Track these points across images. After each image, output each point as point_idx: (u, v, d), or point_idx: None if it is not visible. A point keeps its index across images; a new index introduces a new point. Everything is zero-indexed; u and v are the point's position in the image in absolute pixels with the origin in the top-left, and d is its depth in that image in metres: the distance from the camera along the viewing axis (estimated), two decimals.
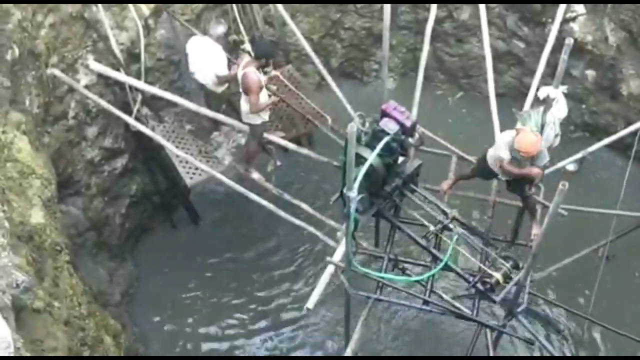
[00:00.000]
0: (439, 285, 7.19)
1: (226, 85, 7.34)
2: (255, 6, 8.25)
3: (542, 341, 6.91)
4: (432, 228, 5.84)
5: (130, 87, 7.63)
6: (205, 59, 7.19)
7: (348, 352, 6.28)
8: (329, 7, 9.57)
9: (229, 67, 7.23)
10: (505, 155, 6.13)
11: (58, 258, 5.51)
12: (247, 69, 6.54)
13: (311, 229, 7.00)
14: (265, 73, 6.82)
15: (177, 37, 7.94)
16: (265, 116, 6.98)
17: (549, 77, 7.17)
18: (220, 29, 7.17)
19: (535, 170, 6.11)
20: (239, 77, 6.66)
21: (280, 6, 7.96)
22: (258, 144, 7.37)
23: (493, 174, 6.68)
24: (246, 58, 6.74)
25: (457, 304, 6.10)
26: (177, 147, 7.62)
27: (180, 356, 8.10)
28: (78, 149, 7.47)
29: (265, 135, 7.34)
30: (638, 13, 8.17)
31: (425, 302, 6.16)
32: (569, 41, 5.85)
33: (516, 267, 5.80)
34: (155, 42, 8.00)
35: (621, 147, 8.18)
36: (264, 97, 6.82)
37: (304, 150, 7.60)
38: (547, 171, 7.27)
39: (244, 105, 6.85)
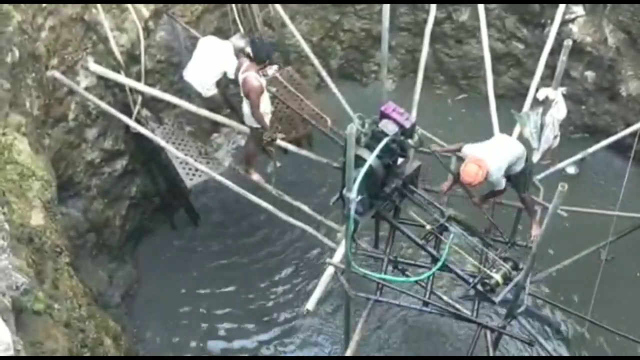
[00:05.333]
0: (439, 286, 7.21)
1: (215, 91, 7.33)
2: (255, 8, 8.26)
3: (542, 342, 6.92)
4: (428, 227, 5.86)
5: (131, 89, 7.64)
6: (212, 59, 7.18)
7: (348, 354, 6.28)
8: (329, 9, 9.59)
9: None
10: (463, 147, 6.24)
11: (58, 260, 5.51)
12: (247, 74, 6.54)
13: (311, 230, 7.00)
14: (264, 75, 6.83)
15: (177, 39, 7.95)
16: (266, 119, 6.98)
17: (548, 79, 7.18)
18: (241, 43, 7.20)
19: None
20: (240, 81, 6.66)
21: (279, 8, 7.98)
22: (257, 146, 7.38)
23: None
24: (245, 62, 6.74)
25: (457, 305, 6.11)
26: (177, 148, 7.62)
27: (180, 356, 8.10)
28: (78, 151, 7.48)
29: (275, 137, 7.34)
30: (637, 14, 8.19)
31: (425, 304, 6.17)
32: (568, 42, 5.88)
33: (516, 268, 5.82)
34: (155, 44, 8.01)
35: (621, 148, 8.19)
36: (265, 100, 6.82)
37: (304, 152, 7.60)
38: (547, 172, 7.30)
39: (246, 108, 6.86)
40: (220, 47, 7.22)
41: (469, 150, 6.16)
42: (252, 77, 6.52)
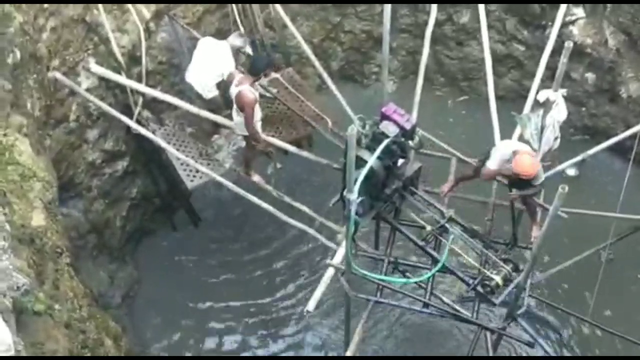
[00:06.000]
0: (440, 288, 7.20)
1: (216, 92, 7.33)
2: (256, 9, 8.27)
3: (542, 344, 6.92)
4: (428, 228, 5.86)
5: (132, 90, 7.64)
6: (210, 61, 7.18)
7: (348, 354, 6.28)
8: (329, 11, 9.60)
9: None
10: (492, 166, 6.20)
11: (59, 261, 5.52)
12: (242, 87, 6.54)
13: (311, 231, 7.00)
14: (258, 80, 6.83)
15: (178, 41, 7.96)
16: (257, 127, 6.98)
17: (548, 80, 7.18)
18: (239, 41, 7.21)
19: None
20: (233, 94, 6.67)
21: (280, 9, 7.98)
22: (253, 149, 7.39)
23: None
24: (238, 75, 6.75)
25: (457, 307, 6.11)
26: (177, 149, 7.63)
27: (180, 356, 8.11)
28: (79, 152, 7.49)
29: (265, 138, 7.34)
30: (637, 16, 8.19)
31: (426, 305, 6.17)
32: (569, 44, 5.88)
33: (516, 269, 5.82)
34: (157, 45, 8.02)
35: (621, 149, 8.19)
36: (257, 110, 6.83)
37: (304, 153, 7.61)
38: (547, 174, 7.29)
39: (236, 118, 6.87)
40: (218, 48, 7.21)
41: (503, 154, 6.15)
42: (247, 90, 6.52)
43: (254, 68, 6.71)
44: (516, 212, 7.12)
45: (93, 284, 7.19)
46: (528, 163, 5.93)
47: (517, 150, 6.06)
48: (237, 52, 7.22)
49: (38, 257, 5.05)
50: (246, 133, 6.93)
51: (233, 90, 6.66)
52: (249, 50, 7.57)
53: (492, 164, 6.21)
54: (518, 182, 6.32)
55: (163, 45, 8.07)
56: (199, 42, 7.39)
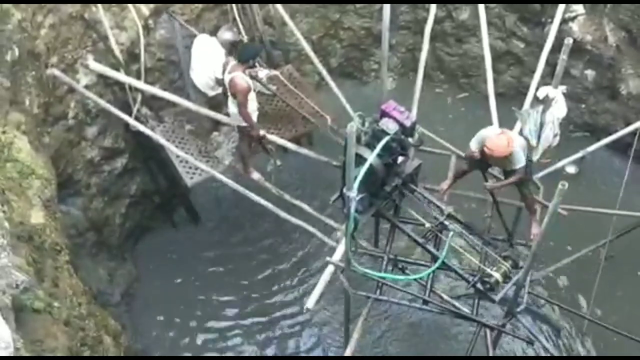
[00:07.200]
0: (439, 285, 7.20)
1: (219, 90, 7.32)
2: (255, 6, 8.25)
3: (542, 341, 6.93)
4: (427, 225, 5.86)
5: (130, 87, 7.63)
6: (204, 59, 7.18)
7: (348, 352, 6.28)
8: (329, 8, 9.58)
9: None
10: (473, 147, 6.26)
11: (58, 258, 5.51)
12: (234, 74, 6.53)
13: (311, 228, 7.00)
14: (252, 77, 6.79)
15: (177, 37, 7.94)
16: (253, 117, 6.96)
17: (548, 77, 7.18)
18: (228, 35, 7.16)
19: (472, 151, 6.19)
20: (226, 81, 6.67)
21: (279, 6, 7.97)
22: (249, 145, 7.37)
23: (488, 164, 6.67)
24: (231, 62, 6.74)
25: (457, 304, 6.12)
26: (177, 147, 7.61)
27: (180, 356, 8.10)
28: (78, 149, 7.48)
29: (264, 134, 7.32)
30: (637, 13, 8.19)
31: (425, 302, 6.17)
32: (568, 41, 5.88)
33: (515, 266, 5.82)
34: (155, 42, 8.00)
35: (620, 146, 8.18)
36: (252, 99, 6.82)
37: (304, 150, 7.60)
38: (547, 171, 7.29)
39: (232, 108, 6.86)
40: (210, 44, 7.18)
41: (482, 134, 6.19)
42: (239, 77, 6.51)
43: (241, 55, 6.67)
44: (516, 210, 7.14)
45: (92, 282, 7.18)
46: (500, 143, 5.87)
47: (495, 131, 6.06)
48: (234, 46, 7.18)
49: (37, 254, 5.04)
50: (243, 124, 6.91)
51: (226, 77, 6.64)
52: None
53: (473, 146, 6.22)
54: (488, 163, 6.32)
55: (162, 42, 8.05)
56: (195, 39, 7.37)
